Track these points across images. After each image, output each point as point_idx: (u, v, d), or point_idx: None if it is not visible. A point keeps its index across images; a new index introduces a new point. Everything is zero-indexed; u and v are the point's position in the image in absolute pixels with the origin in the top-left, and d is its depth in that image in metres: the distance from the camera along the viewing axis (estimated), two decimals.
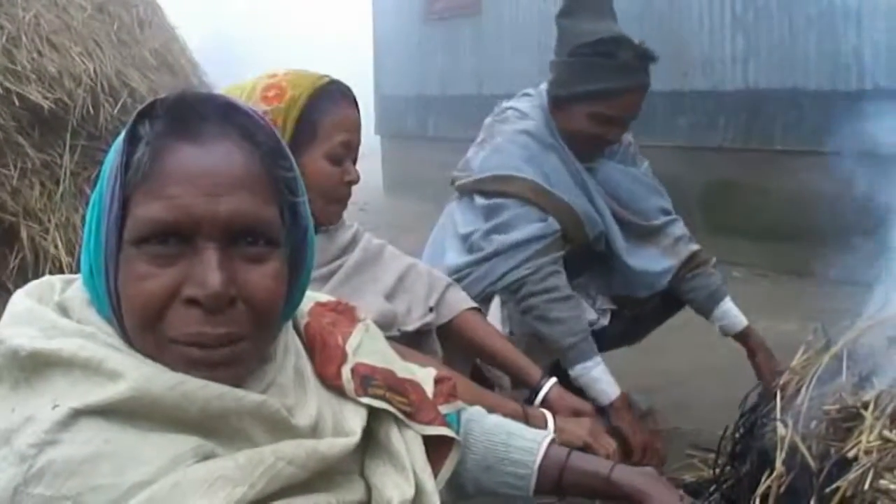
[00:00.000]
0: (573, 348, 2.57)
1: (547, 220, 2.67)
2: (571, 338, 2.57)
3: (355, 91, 2.04)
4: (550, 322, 2.59)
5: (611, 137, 2.77)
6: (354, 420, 1.19)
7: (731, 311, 2.82)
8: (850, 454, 1.53)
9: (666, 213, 2.95)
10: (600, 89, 2.65)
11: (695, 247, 2.91)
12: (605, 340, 2.82)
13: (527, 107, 2.84)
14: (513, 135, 2.77)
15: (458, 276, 2.64)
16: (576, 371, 2.57)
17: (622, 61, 2.66)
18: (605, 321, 2.88)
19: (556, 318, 2.58)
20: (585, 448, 1.85)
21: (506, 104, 2.94)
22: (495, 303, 2.66)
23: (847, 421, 1.62)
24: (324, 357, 1.22)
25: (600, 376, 2.55)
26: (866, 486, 1.46)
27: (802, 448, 1.64)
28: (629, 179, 2.91)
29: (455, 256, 2.75)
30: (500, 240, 2.65)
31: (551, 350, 2.64)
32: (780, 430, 1.71)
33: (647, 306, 2.94)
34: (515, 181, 2.70)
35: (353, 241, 2.18)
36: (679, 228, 2.92)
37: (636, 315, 2.96)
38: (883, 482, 1.45)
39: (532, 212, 2.68)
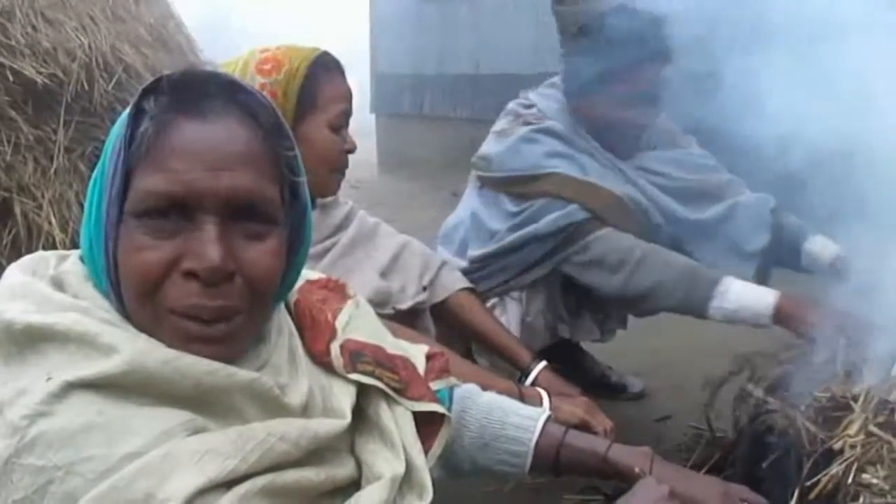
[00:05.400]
0: (686, 300, 2.37)
1: (568, 208, 2.47)
2: (674, 297, 2.39)
3: (351, 69, 2.07)
4: (646, 298, 2.44)
5: (641, 120, 2.58)
6: (343, 397, 1.19)
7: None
8: (837, 446, 1.53)
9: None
10: (615, 68, 2.43)
11: None
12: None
13: (552, 108, 2.61)
14: (528, 133, 2.56)
15: (478, 265, 2.56)
16: (711, 316, 2.35)
17: (630, 32, 2.34)
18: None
19: (647, 290, 2.41)
20: (582, 426, 1.84)
21: (532, 94, 2.69)
22: (512, 301, 2.57)
23: (836, 410, 1.62)
24: (313, 334, 1.23)
25: (739, 302, 2.29)
26: (849, 480, 1.46)
27: (802, 430, 1.63)
28: (673, 164, 2.67)
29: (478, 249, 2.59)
30: (525, 231, 2.49)
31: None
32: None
33: None
34: (539, 179, 2.52)
35: (348, 219, 2.20)
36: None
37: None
38: (865, 476, 1.45)
39: (555, 203, 2.48)
